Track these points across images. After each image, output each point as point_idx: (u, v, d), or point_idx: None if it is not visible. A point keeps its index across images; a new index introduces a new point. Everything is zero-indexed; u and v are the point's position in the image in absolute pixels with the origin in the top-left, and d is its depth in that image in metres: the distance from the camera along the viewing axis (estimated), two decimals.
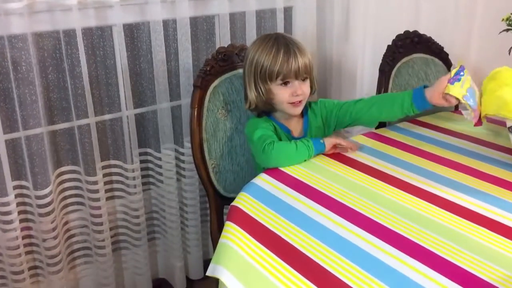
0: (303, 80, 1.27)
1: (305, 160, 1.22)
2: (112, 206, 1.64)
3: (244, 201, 1.05)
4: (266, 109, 1.32)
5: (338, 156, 1.26)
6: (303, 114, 1.36)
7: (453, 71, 1.24)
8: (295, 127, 1.36)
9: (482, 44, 2.14)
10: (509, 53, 1.43)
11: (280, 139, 1.30)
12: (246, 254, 0.87)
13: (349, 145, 1.28)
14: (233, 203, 1.06)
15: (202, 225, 1.79)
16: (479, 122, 1.25)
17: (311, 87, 1.31)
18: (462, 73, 1.23)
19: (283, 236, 0.92)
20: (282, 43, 1.24)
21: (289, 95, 1.26)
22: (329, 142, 1.26)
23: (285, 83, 1.25)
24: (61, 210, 1.54)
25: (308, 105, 1.36)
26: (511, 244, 0.88)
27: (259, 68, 1.25)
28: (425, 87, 1.27)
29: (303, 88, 1.26)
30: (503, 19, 1.43)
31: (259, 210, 1.02)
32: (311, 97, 1.33)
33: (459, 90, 1.21)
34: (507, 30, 1.43)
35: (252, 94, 1.28)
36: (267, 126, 1.29)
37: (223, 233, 0.95)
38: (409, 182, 1.12)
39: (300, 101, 1.28)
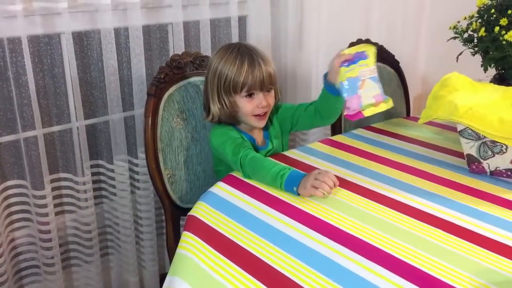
0: (268, 91, 1.26)
1: None
2: (62, 221, 1.57)
3: (201, 210, 1.03)
4: (229, 122, 1.29)
5: (293, 162, 1.25)
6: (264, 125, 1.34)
7: (352, 51, 1.16)
8: (258, 136, 1.34)
9: (431, 52, 2.22)
10: (457, 60, 1.49)
11: None
12: (204, 264, 0.85)
13: (330, 190, 1.06)
14: (190, 213, 1.03)
15: (157, 238, 1.74)
16: (353, 116, 1.14)
17: (275, 97, 1.30)
18: (357, 60, 1.15)
19: (241, 244, 0.90)
20: (246, 54, 1.22)
21: (254, 107, 1.24)
22: (304, 192, 1.06)
23: (250, 95, 1.23)
24: (7, 227, 1.46)
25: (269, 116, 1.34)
26: (466, 244, 0.90)
27: (223, 79, 1.22)
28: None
29: (268, 100, 1.25)
30: (450, 27, 1.49)
31: (216, 218, 0.99)
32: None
33: (341, 75, 1.15)
34: (454, 38, 1.48)
35: (215, 107, 1.25)
36: (234, 134, 1.26)
37: (180, 243, 0.92)
38: (363, 185, 1.13)
39: (265, 113, 1.27)
